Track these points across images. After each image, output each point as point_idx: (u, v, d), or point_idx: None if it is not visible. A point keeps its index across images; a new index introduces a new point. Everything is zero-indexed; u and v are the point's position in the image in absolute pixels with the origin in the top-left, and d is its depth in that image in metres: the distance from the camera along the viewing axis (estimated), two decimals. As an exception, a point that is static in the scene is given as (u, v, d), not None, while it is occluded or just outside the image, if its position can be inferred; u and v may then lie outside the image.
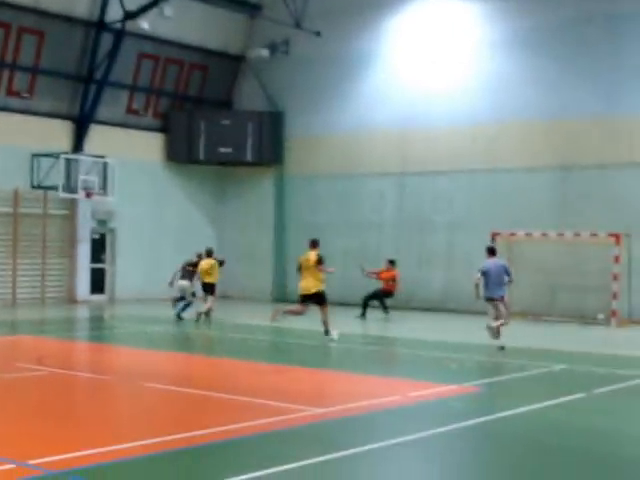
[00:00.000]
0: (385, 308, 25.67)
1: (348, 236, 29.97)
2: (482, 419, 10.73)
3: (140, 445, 9.06)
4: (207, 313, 23.69)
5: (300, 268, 19.67)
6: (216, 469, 8.19)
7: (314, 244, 19.76)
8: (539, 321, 24.67)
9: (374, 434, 9.91)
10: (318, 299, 19.49)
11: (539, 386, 13.97)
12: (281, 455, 8.68)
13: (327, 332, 19.34)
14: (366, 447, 9.09)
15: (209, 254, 24.32)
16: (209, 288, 23.92)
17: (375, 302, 25.79)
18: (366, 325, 23.87)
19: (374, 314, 25.20)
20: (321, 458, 8.55)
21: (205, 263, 24.05)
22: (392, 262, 26.18)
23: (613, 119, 25.77)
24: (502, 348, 18.02)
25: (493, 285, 18.25)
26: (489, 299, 18.45)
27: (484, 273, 18.33)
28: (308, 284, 19.43)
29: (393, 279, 25.86)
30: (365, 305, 25.40)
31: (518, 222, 26.24)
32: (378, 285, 26.06)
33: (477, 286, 18.30)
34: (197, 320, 23.28)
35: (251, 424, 10.10)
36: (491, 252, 18.92)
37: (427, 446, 9.54)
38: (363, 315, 25.11)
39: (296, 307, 20.14)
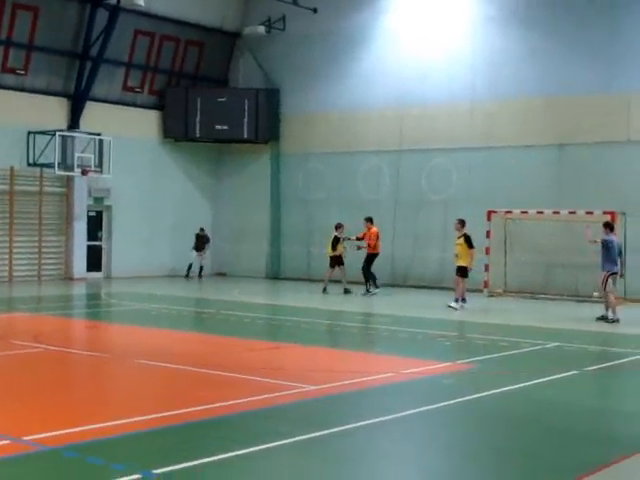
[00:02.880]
0: (374, 280, 25.59)
1: (344, 213, 29.90)
2: (474, 396, 10.78)
3: (134, 421, 9.14)
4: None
5: None
6: (207, 445, 8.24)
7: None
8: (535, 298, 24.72)
9: (365, 411, 9.97)
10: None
11: (532, 363, 14.02)
12: (270, 432, 8.72)
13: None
14: (356, 424, 9.14)
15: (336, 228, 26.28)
16: (330, 260, 26.08)
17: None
18: (361, 302, 23.90)
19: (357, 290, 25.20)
20: (309, 435, 8.61)
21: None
22: (370, 219, 25.93)
23: (611, 96, 25.72)
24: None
25: (615, 260, 19.65)
26: (614, 273, 19.74)
27: (607, 245, 19.51)
28: None
29: (377, 237, 25.65)
30: (367, 278, 25.51)
31: (514, 200, 26.21)
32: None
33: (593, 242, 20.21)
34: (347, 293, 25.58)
35: (243, 401, 10.15)
36: (611, 228, 20.15)
37: (417, 423, 9.60)
38: (369, 291, 25.31)
39: None
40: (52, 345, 14.69)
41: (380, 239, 25.82)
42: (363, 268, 25.52)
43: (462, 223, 22.36)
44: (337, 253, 25.97)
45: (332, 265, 26.07)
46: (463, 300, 22.01)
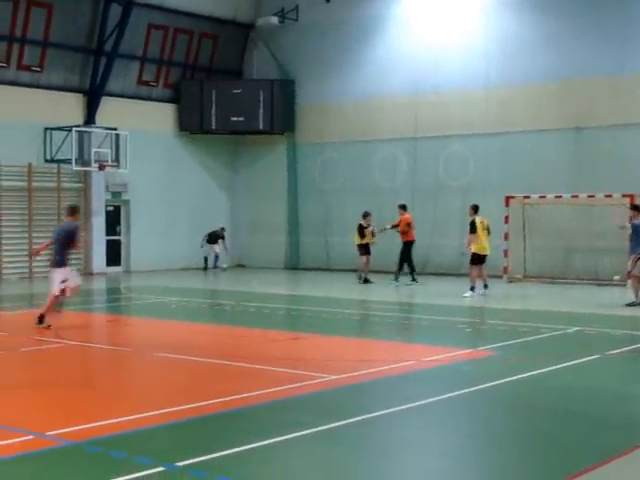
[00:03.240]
0: (412, 271, 25.17)
1: (361, 202, 29.84)
2: (495, 383, 10.76)
3: (157, 414, 9.17)
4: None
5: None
6: (229, 437, 8.27)
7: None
8: (555, 283, 24.62)
9: (387, 400, 9.96)
10: None
11: (554, 349, 13.98)
12: (291, 423, 8.74)
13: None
14: (378, 413, 9.15)
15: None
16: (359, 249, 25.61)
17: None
18: (381, 291, 23.85)
19: (384, 279, 25.06)
20: (331, 425, 8.61)
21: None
22: (403, 207, 25.60)
23: (626, 78, 25.56)
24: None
25: None
26: None
27: (637, 229, 19.04)
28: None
29: (408, 224, 25.24)
30: (400, 267, 25.23)
31: (532, 185, 26.12)
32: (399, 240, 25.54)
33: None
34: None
35: (264, 392, 10.18)
36: (639, 210, 19.58)
37: (439, 410, 9.60)
38: (397, 279, 24.97)
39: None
40: (73, 340, 14.74)
41: (413, 226, 25.32)
42: (400, 258, 25.17)
43: (474, 209, 22.08)
44: (364, 241, 25.43)
45: (362, 253, 25.51)
46: (485, 286, 21.88)
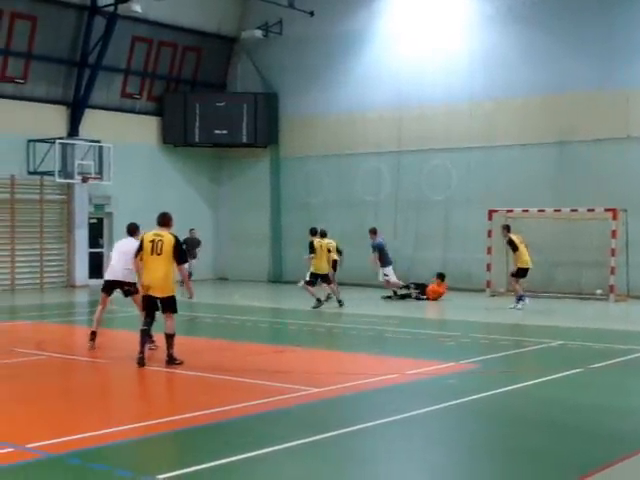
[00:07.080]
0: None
1: (344, 216, 29.95)
2: (479, 396, 10.75)
3: (139, 426, 9.12)
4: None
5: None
6: (211, 450, 8.21)
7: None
8: (537, 297, 24.64)
9: (370, 412, 9.93)
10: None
11: (536, 362, 14.00)
12: (274, 435, 8.70)
13: None
14: (361, 425, 9.11)
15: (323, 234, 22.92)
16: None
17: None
18: (365, 305, 23.80)
19: (359, 294, 25.05)
20: (313, 438, 8.57)
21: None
22: (441, 276, 25.25)
23: (609, 93, 25.69)
24: None
25: None
26: None
27: None
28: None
29: (440, 295, 24.80)
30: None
31: (514, 199, 26.19)
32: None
33: None
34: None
35: (248, 405, 10.13)
36: None
37: (422, 424, 9.57)
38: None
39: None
40: (55, 352, 14.67)
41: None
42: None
43: (506, 228, 22.53)
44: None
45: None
46: (521, 299, 22.14)
